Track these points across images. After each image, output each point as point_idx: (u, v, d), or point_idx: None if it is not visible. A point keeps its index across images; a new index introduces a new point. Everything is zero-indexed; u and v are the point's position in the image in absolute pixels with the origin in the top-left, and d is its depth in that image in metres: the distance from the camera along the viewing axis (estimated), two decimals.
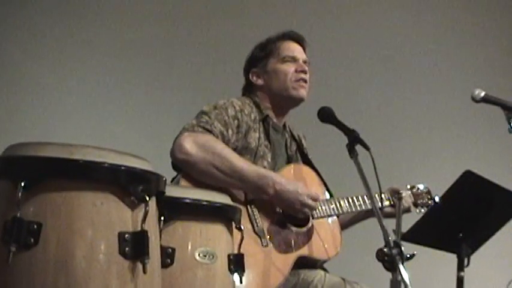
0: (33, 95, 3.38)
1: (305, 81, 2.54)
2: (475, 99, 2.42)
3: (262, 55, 2.58)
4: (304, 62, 2.57)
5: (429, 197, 2.77)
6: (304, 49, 2.62)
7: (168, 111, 3.50)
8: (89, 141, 1.59)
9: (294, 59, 2.54)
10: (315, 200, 2.34)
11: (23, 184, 1.26)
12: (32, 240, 1.24)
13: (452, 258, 2.30)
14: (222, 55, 3.68)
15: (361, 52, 4.10)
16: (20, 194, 1.26)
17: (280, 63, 2.54)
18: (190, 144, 2.21)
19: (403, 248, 1.99)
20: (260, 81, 2.56)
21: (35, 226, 1.25)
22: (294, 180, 2.40)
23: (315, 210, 2.36)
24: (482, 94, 2.42)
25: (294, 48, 2.57)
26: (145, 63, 3.64)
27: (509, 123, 2.37)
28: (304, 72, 2.53)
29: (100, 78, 3.54)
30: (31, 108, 3.37)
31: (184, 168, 2.24)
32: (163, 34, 3.68)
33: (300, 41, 2.61)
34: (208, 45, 3.74)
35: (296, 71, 2.52)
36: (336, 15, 4.09)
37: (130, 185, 1.34)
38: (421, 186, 2.79)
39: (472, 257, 2.36)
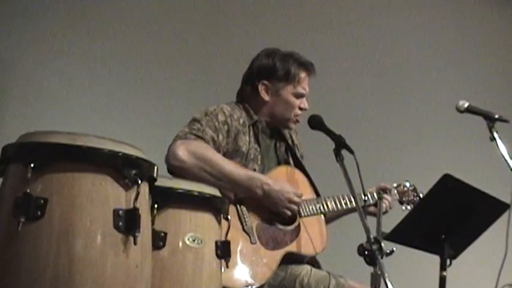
0: (38, 94, 3.44)
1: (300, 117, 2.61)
2: (459, 110, 2.50)
3: (280, 75, 2.56)
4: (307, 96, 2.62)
5: (415, 194, 2.83)
6: None
7: (167, 112, 3.53)
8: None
9: (302, 96, 2.59)
10: (300, 197, 2.43)
11: (32, 165, 1.42)
12: (39, 213, 1.40)
13: (435, 257, 2.34)
14: (220, 60, 3.71)
15: (349, 61, 4.12)
16: (29, 174, 1.42)
17: (292, 96, 2.57)
18: (182, 152, 2.32)
19: (382, 244, 2.09)
20: (267, 98, 2.57)
21: (42, 201, 1.41)
22: (286, 181, 2.49)
23: (301, 206, 2.44)
24: (466, 105, 2.51)
25: (306, 85, 2.60)
26: (148, 67, 3.64)
27: (491, 132, 2.45)
28: (305, 110, 2.60)
29: (106, 81, 3.56)
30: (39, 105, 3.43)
31: (178, 173, 2.34)
32: (166, 37, 3.68)
33: (313, 75, 2.64)
34: (207, 49, 3.74)
35: (300, 108, 2.59)
36: (325, 25, 4.12)
37: (125, 169, 1.49)
38: (407, 184, 2.84)
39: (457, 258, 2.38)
